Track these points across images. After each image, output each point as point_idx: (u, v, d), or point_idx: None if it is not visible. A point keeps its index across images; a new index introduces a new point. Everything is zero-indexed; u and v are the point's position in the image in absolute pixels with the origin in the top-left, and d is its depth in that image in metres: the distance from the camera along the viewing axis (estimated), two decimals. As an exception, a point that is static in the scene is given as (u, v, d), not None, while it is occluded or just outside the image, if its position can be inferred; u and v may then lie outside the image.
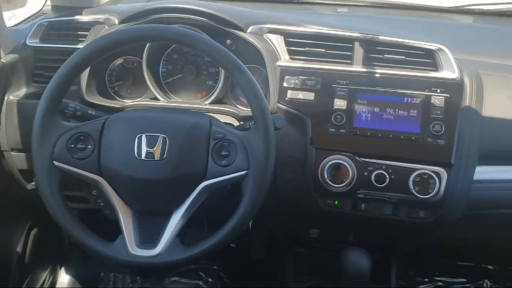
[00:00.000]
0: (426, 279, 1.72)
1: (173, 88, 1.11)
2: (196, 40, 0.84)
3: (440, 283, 1.71)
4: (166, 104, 1.05)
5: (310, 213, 1.07)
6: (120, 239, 0.85)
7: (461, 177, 0.93)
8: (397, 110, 0.94)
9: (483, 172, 0.96)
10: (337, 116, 0.95)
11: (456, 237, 1.17)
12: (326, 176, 0.94)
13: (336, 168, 0.94)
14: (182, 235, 0.85)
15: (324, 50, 1.00)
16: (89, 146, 0.84)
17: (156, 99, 1.07)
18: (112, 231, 0.87)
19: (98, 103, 1.03)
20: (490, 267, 1.76)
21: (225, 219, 0.84)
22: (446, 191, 0.93)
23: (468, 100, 0.94)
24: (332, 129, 0.95)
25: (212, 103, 1.06)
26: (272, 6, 1.47)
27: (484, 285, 1.70)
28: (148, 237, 0.85)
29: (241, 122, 0.99)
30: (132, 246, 0.83)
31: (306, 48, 1.01)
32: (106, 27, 1.06)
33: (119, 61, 1.12)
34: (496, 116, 0.95)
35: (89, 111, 0.93)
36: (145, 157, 0.82)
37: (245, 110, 1.03)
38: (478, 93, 0.95)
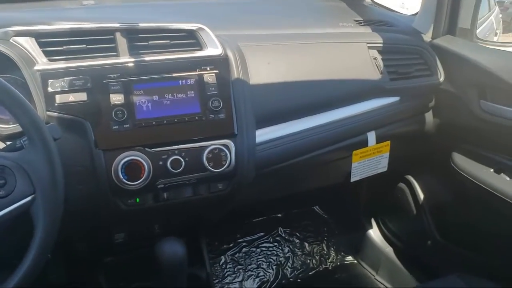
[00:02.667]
0: (231, 244, 1.84)
1: None
2: None
3: (244, 243, 1.85)
4: None
5: (112, 218, 1.01)
6: None
7: (246, 144, 1.00)
8: (175, 94, 0.95)
9: (262, 134, 1.05)
10: (118, 112, 0.90)
11: (251, 198, 1.27)
12: (121, 177, 0.89)
13: (130, 166, 0.90)
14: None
15: (85, 45, 0.93)
16: None
17: None
18: None
19: None
20: (279, 215, 1.98)
21: (14, 256, 0.73)
22: (236, 160, 0.98)
23: (235, 72, 1.00)
24: (115, 127, 0.90)
25: (-40, 128, 0.89)
26: (9, 7, 1.29)
27: (279, 232, 1.91)
28: None
29: (8, 142, 0.86)
30: None
31: (65, 47, 0.92)
32: None
33: None
34: (261, 82, 1.04)
35: None
36: None
37: (8, 127, 0.89)
38: (242, 64, 1.02)
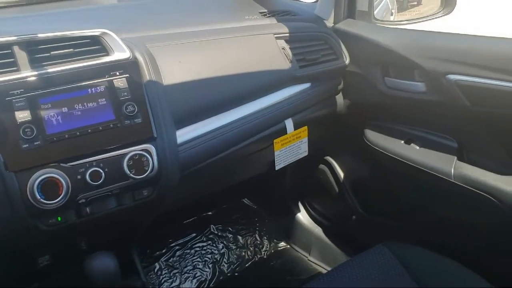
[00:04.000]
0: (164, 250, 1.81)
1: None
2: None
3: (177, 247, 1.83)
4: None
5: (33, 241, 0.96)
6: None
7: (167, 146, 0.98)
8: (85, 104, 0.90)
9: (183, 134, 1.03)
10: (26, 130, 0.84)
11: (179, 200, 1.26)
12: (38, 197, 0.84)
13: (47, 184, 0.84)
14: None
15: None
16: None
17: None
18: None
19: None
20: (210, 213, 1.98)
21: None
22: (159, 163, 0.96)
23: (146, 75, 0.98)
24: (25, 145, 0.84)
25: None
26: None
27: (211, 230, 1.91)
28: None
29: None
30: None
31: None
32: None
33: None
34: (175, 81, 1.03)
35: None
36: None
37: None
38: (153, 65, 1.00)
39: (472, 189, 1.13)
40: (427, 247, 1.11)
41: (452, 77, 1.11)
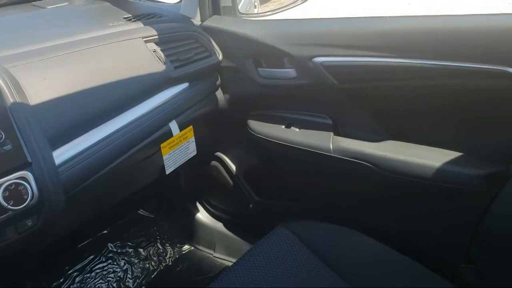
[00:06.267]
0: (61, 279, 1.71)
1: None
2: None
3: (76, 273, 1.74)
4: None
5: None
6: None
7: (45, 169, 0.91)
8: None
9: (62, 154, 0.97)
10: None
11: (71, 223, 1.19)
12: None
13: None
14: None
15: None
16: None
17: None
18: None
19: None
20: (105, 231, 1.90)
21: None
22: (39, 189, 0.89)
23: (10, 97, 0.90)
24: None
25: None
26: None
27: (109, 248, 1.84)
28: None
29: None
30: None
31: None
32: None
33: None
34: (43, 100, 0.96)
35: None
36: None
37: None
38: (15, 87, 0.92)
39: (351, 159, 1.22)
40: (323, 221, 1.19)
41: (317, 59, 1.19)
